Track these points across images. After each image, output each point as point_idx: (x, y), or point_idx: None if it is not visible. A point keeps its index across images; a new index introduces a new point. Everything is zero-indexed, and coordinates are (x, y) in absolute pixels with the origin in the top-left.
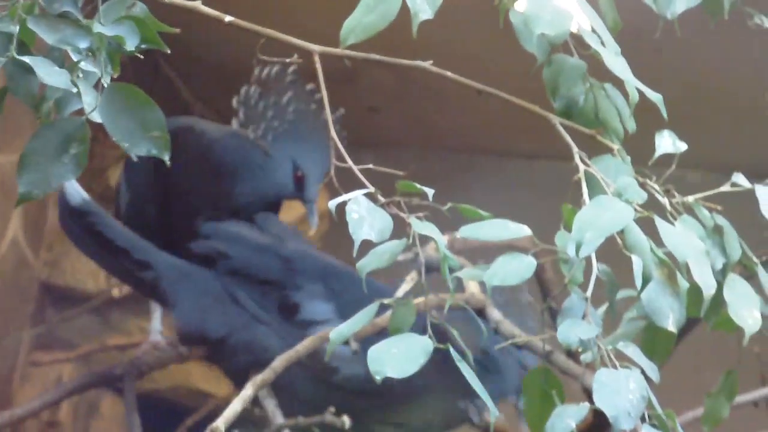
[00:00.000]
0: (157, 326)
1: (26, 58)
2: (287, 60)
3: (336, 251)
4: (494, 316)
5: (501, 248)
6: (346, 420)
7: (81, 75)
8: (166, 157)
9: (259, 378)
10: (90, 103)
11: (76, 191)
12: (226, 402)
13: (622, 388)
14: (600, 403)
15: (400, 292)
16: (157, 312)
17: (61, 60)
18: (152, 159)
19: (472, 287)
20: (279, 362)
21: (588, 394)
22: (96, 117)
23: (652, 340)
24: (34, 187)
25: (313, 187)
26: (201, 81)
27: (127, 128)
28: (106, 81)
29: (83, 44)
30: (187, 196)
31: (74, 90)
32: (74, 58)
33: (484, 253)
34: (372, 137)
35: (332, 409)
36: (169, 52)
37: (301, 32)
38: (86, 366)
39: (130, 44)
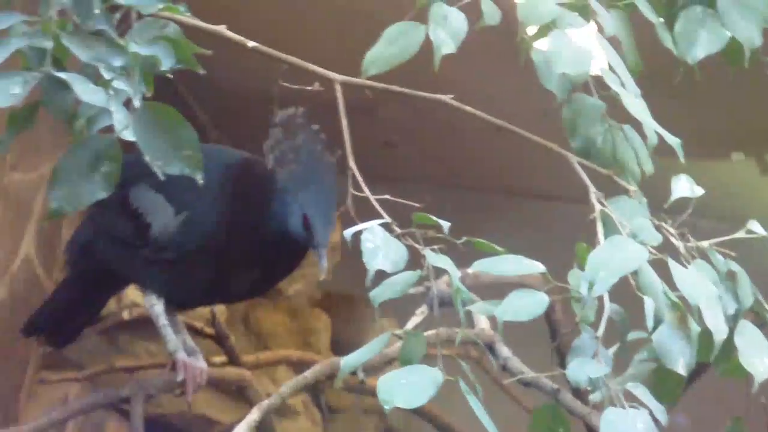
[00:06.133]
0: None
1: (63, 74)
2: (308, 88)
3: (348, 282)
4: (503, 352)
5: (511, 286)
6: None
7: (113, 93)
8: (199, 177)
9: (265, 403)
10: (121, 122)
11: None
12: (230, 429)
13: (629, 428)
14: None
15: (410, 325)
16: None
17: (94, 77)
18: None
19: (482, 323)
20: (287, 388)
21: None
22: (128, 135)
23: (662, 382)
24: (65, 203)
25: (321, 232)
26: (218, 107)
27: (160, 147)
28: (137, 100)
29: (117, 62)
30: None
31: (111, 108)
32: (107, 76)
33: (495, 290)
34: (388, 172)
35: None
36: (203, 72)
37: (320, 63)
38: (93, 387)
39: (166, 64)
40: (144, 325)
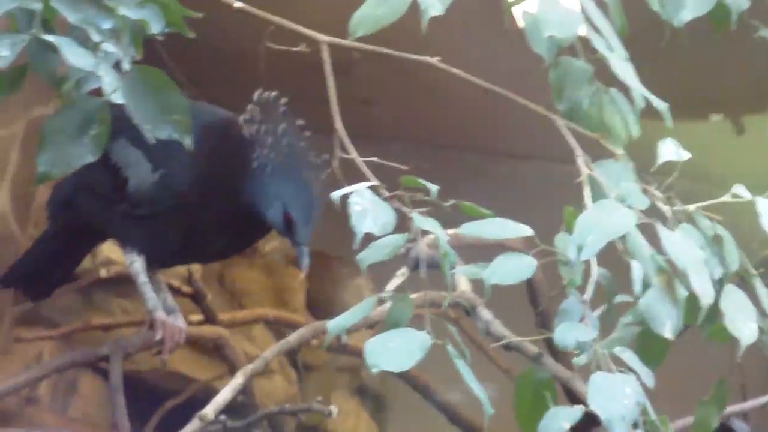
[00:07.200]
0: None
1: (51, 38)
2: (294, 49)
3: (323, 241)
4: (485, 315)
5: (491, 247)
6: (333, 409)
7: (102, 56)
8: (187, 141)
9: (249, 367)
10: (110, 85)
11: None
12: (206, 386)
13: (617, 393)
14: (595, 406)
15: (391, 286)
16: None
17: (82, 40)
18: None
19: (463, 285)
20: (270, 352)
21: (571, 399)
22: (117, 98)
23: (647, 346)
24: (53, 167)
25: (303, 230)
26: (196, 65)
27: (149, 111)
28: (127, 63)
29: (106, 25)
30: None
31: (99, 72)
32: (95, 39)
33: (474, 251)
34: (364, 130)
35: (319, 397)
36: (193, 36)
37: (304, 23)
38: (67, 344)
39: (156, 27)
40: (119, 283)
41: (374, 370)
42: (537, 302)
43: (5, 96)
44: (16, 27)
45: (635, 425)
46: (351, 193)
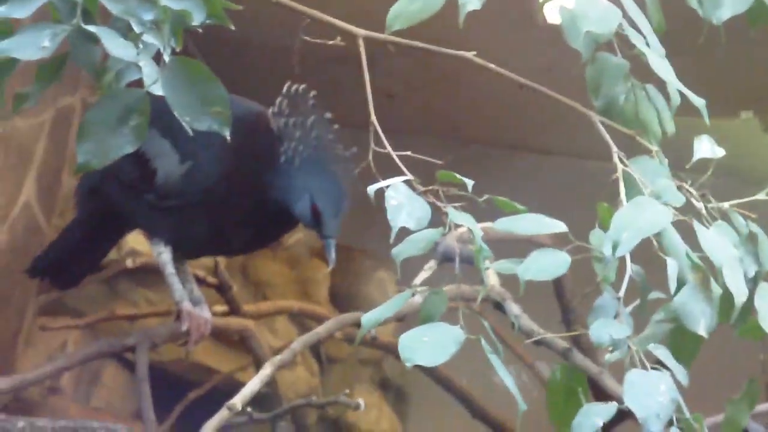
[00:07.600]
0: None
1: (92, 28)
2: (330, 42)
3: (347, 234)
4: (513, 310)
5: (519, 242)
6: (361, 402)
7: (142, 47)
8: (227, 133)
9: (277, 358)
10: (150, 76)
11: None
12: (228, 378)
13: (652, 390)
14: (630, 403)
15: (418, 280)
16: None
17: (124, 30)
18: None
19: (492, 279)
20: (298, 343)
21: (596, 395)
22: (157, 90)
23: (679, 343)
24: (92, 157)
25: (331, 223)
26: (221, 56)
27: (189, 102)
28: (167, 54)
29: (148, 16)
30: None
31: (140, 63)
32: (137, 29)
33: (503, 245)
34: (388, 124)
35: (347, 390)
36: (233, 28)
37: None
38: (91, 334)
39: (197, 18)
40: (144, 273)
41: (408, 365)
42: (563, 298)
43: (46, 87)
44: (57, 17)
45: (670, 423)
46: (386, 187)
